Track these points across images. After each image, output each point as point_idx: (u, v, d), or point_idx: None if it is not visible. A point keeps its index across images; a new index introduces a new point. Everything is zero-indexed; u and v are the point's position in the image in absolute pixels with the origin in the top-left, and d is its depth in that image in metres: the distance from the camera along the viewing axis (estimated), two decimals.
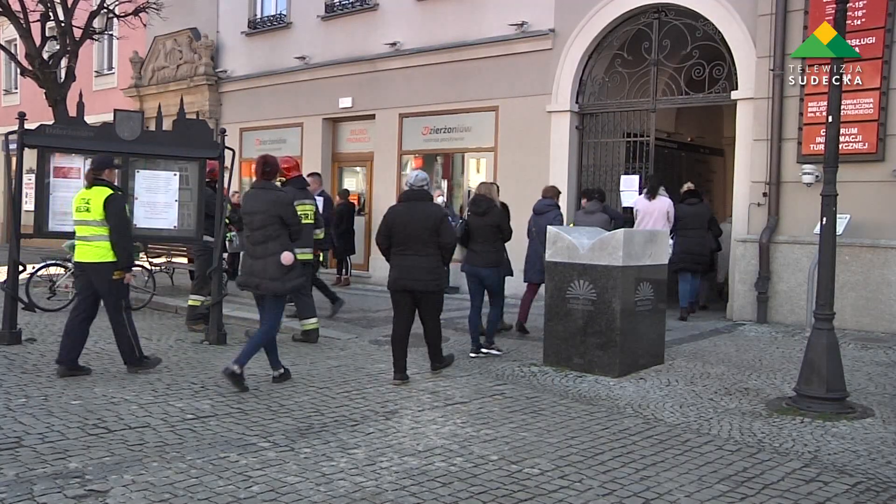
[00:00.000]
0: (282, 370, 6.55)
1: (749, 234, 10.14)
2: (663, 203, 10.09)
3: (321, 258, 8.93)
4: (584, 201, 10.29)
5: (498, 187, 8.43)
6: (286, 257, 6.23)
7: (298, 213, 8.05)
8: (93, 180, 6.64)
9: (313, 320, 8.58)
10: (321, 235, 8.89)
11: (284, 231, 6.30)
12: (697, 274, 10.65)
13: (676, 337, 8.90)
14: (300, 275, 6.63)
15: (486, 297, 8.10)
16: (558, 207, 9.39)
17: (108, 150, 8.18)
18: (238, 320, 9.47)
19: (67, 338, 6.67)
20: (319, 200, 9.26)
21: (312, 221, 8.62)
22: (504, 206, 8.53)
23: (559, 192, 9.78)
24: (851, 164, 8.96)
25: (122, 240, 6.52)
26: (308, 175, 10.30)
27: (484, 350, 7.85)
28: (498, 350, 7.95)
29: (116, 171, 7.03)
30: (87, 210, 6.56)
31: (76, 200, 6.71)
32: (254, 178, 6.73)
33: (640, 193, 11.33)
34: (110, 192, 6.58)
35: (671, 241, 9.42)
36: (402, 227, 6.57)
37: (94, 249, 6.54)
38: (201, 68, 17.90)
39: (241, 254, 7.45)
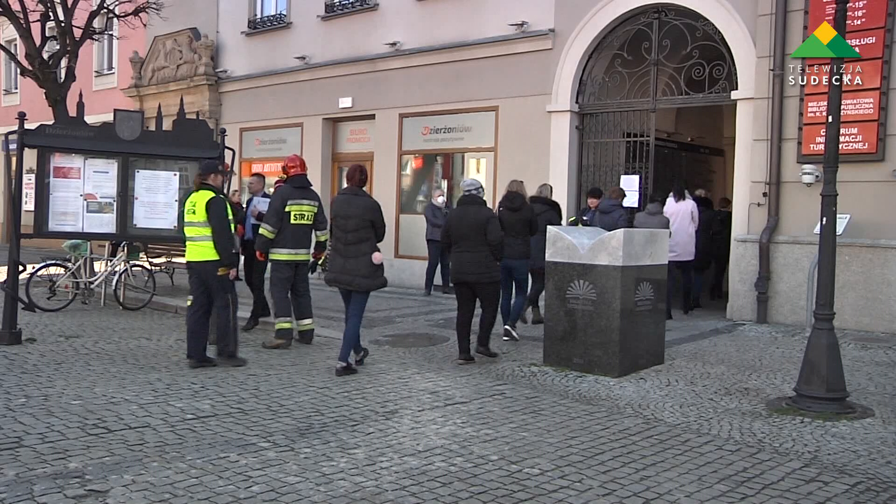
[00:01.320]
0: (361, 354, 7.30)
1: (749, 234, 10.14)
2: (688, 205, 10.73)
3: (320, 261, 8.73)
4: (590, 200, 10.36)
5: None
6: (377, 257, 6.94)
7: (295, 213, 8.15)
8: (199, 184, 7.14)
9: (286, 321, 8.32)
10: (324, 238, 8.53)
11: (374, 234, 6.98)
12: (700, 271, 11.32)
13: (676, 337, 8.90)
14: (384, 272, 7.21)
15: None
16: (623, 207, 10.23)
17: (108, 150, 8.21)
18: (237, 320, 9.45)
19: (192, 335, 7.15)
20: (264, 202, 8.91)
21: (311, 222, 8.35)
22: (555, 204, 9.68)
23: (624, 194, 10.47)
24: (851, 164, 8.96)
25: (222, 240, 7.03)
26: (252, 174, 10.26)
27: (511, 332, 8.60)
28: (516, 336, 8.62)
29: (221, 175, 7.44)
30: (193, 212, 7.09)
31: (186, 203, 7.26)
32: (345, 185, 7.31)
33: (639, 194, 11.42)
34: (212, 195, 7.07)
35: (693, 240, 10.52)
36: (457, 227, 7.44)
37: (201, 249, 7.10)
38: (201, 68, 17.90)
39: (327, 252, 7.73)
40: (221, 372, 6.84)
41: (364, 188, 7.29)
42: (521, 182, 8.90)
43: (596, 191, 10.61)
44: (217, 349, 7.27)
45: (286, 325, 8.32)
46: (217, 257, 7.05)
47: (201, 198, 7.07)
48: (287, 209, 8.10)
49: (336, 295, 12.56)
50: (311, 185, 8.66)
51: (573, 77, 12.03)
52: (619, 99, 11.89)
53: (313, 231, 8.48)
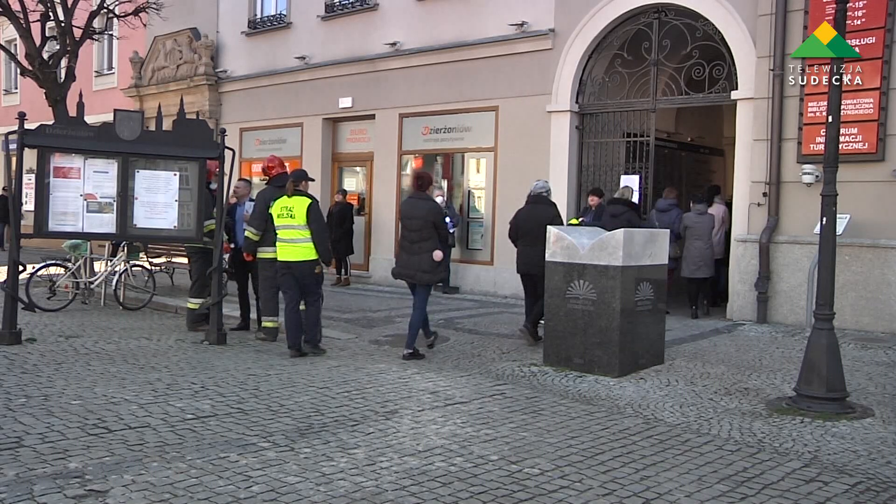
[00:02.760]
0: (432, 338, 8.15)
1: (749, 234, 10.14)
2: (719, 209, 11.15)
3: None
4: (592, 199, 10.36)
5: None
6: (437, 255, 7.64)
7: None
8: (293, 191, 7.74)
9: (273, 319, 8.59)
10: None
11: (435, 234, 7.67)
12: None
13: (676, 337, 8.90)
14: (445, 268, 7.98)
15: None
16: (679, 207, 10.96)
17: (108, 150, 8.20)
18: (237, 320, 9.44)
19: (291, 327, 7.78)
20: (251, 206, 9.10)
21: None
22: (634, 205, 9.93)
23: (678, 194, 11.14)
24: (851, 164, 8.96)
25: (322, 240, 7.73)
26: (239, 179, 10.30)
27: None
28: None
29: (309, 182, 8.18)
30: (291, 216, 7.66)
31: (276, 208, 7.80)
32: (412, 189, 8.12)
33: (639, 194, 11.42)
34: (311, 200, 7.73)
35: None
36: (524, 223, 8.33)
37: (299, 249, 7.68)
38: (201, 68, 17.90)
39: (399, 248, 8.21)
40: (221, 372, 6.84)
41: (427, 192, 7.97)
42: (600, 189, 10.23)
43: (598, 190, 10.61)
44: (305, 339, 7.83)
45: (271, 325, 8.58)
46: (315, 257, 7.67)
47: (300, 203, 7.66)
48: (271, 210, 8.18)
49: (335, 295, 12.60)
50: None
51: (573, 77, 12.03)
52: (619, 99, 11.89)
53: None
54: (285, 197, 7.78)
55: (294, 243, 7.69)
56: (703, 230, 10.47)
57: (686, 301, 10.67)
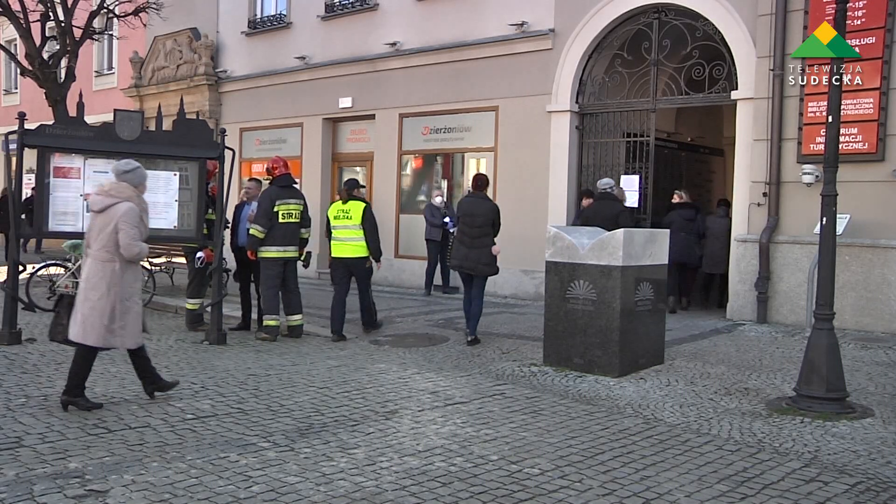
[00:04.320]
0: (473, 337, 8.43)
1: (749, 234, 10.14)
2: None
3: (303, 256, 8.98)
4: (584, 201, 10.37)
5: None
6: (496, 249, 8.40)
7: (283, 212, 8.62)
8: (348, 197, 8.96)
9: (274, 317, 8.72)
10: (307, 235, 9.04)
11: (493, 230, 8.40)
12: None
13: (676, 337, 8.90)
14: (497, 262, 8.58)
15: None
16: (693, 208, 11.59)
17: (108, 150, 8.20)
18: (237, 320, 9.44)
19: (336, 316, 8.81)
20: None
21: (298, 221, 8.79)
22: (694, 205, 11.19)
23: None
24: (851, 164, 8.95)
25: (373, 239, 8.81)
26: (249, 179, 10.40)
27: None
28: None
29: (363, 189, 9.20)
30: (348, 218, 8.82)
31: (333, 211, 9.02)
32: (470, 189, 8.87)
33: (639, 194, 11.42)
34: (365, 204, 8.95)
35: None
36: (592, 218, 8.86)
37: (353, 247, 8.83)
38: (201, 68, 17.90)
39: (452, 242, 9.07)
40: (221, 372, 6.85)
41: (487, 192, 8.77)
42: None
43: (590, 191, 10.60)
44: (363, 322, 9.14)
45: (273, 323, 8.68)
46: (366, 254, 8.82)
47: (356, 207, 8.85)
48: (276, 209, 8.62)
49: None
50: (296, 184, 9.24)
51: (573, 77, 12.03)
52: (619, 99, 11.89)
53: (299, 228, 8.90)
54: (340, 202, 9.00)
55: (349, 241, 8.82)
56: (720, 232, 11.00)
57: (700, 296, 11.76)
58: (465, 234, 8.50)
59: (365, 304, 9.12)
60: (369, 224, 8.81)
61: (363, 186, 9.45)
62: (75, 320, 5.49)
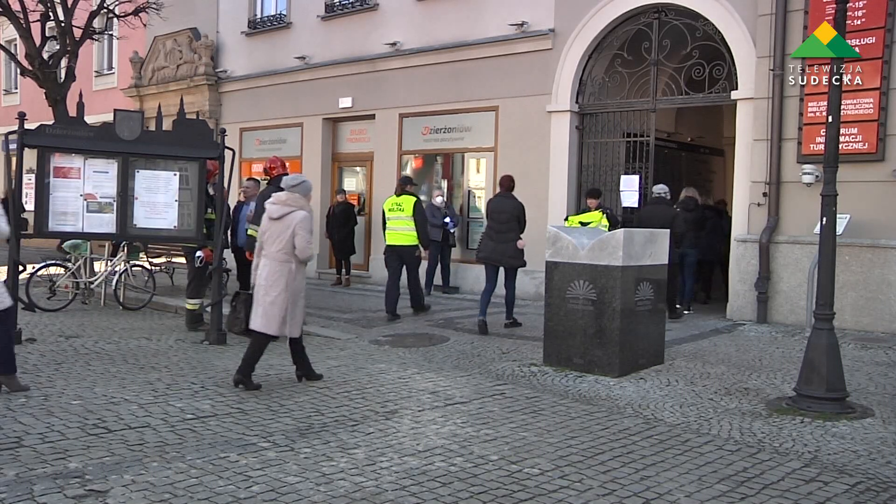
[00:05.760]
0: (511, 320, 9.40)
1: (749, 234, 10.14)
2: None
3: None
4: (589, 201, 10.37)
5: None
6: (521, 243, 9.21)
7: None
8: (401, 190, 10.32)
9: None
10: None
11: (518, 226, 9.25)
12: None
13: (676, 337, 8.90)
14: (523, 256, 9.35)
15: None
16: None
17: (108, 150, 8.20)
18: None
19: (391, 298, 10.05)
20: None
21: None
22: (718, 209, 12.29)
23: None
24: (851, 164, 8.96)
25: (423, 230, 10.11)
26: (247, 179, 10.43)
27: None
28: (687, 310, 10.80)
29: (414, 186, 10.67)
30: (401, 210, 10.11)
31: (388, 204, 10.31)
32: (501, 189, 9.67)
33: (639, 194, 11.42)
34: (416, 199, 10.20)
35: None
36: (649, 221, 9.71)
37: (405, 236, 10.09)
38: (201, 68, 17.90)
39: (482, 236, 9.62)
40: (221, 372, 6.85)
41: (513, 192, 9.52)
42: (694, 188, 11.73)
43: (595, 191, 10.60)
44: (412, 304, 10.31)
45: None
46: (416, 242, 10.09)
47: (408, 201, 10.10)
48: (383, 205, 9.16)
49: (336, 295, 12.64)
50: None
51: (573, 77, 12.03)
52: (619, 99, 11.89)
53: None
54: (395, 196, 10.31)
55: (401, 231, 10.10)
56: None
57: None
58: (492, 230, 9.31)
59: (414, 285, 10.21)
60: (419, 216, 10.06)
61: (416, 184, 10.78)
62: (257, 313, 6.31)
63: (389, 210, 10.23)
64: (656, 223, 9.31)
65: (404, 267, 10.24)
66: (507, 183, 9.61)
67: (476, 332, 9.05)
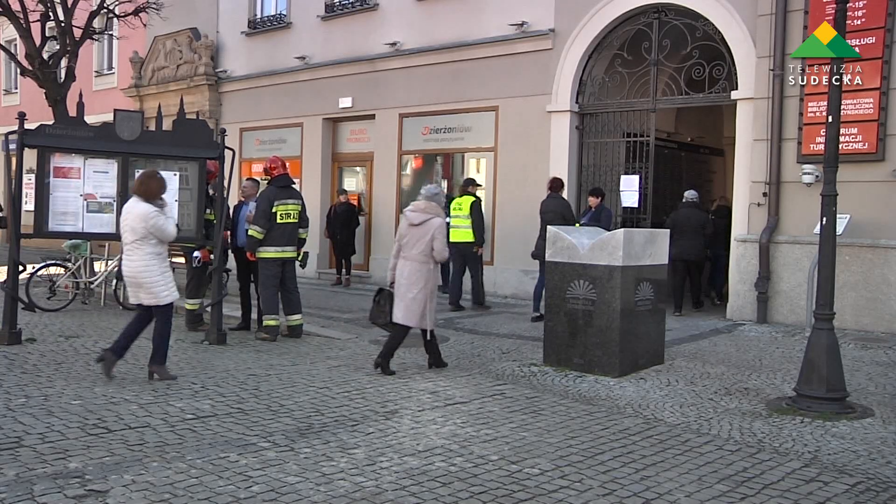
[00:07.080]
0: (539, 314, 9.57)
1: (749, 234, 10.14)
2: None
3: (300, 256, 8.95)
4: (590, 199, 10.38)
5: None
6: None
7: (282, 212, 8.60)
8: (463, 192, 11.08)
9: (273, 317, 8.70)
10: (304, 235, 9.01)
11: (564, 223, 9.37)
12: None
13: (676, 337, 8.90)
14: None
15: None
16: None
17: (108, 150, 8.20)
18: (237, 320, 9.44)
19: (454, 290, 10.97)
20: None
21: (296, 221, 8.76)
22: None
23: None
24: (851, 164, 8.95)
25: (479, 228, 10.82)
26: (247, 179, 10.40)
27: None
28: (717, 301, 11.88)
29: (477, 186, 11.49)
30: (460, 209, 10.87)
31: (453, 203, 10.94)
32: (549, 191, 10.38)
33: (639, 194, 11.42)
34: (474, 199, 10.92)
35: None
36: (683, 224, 10.76)
37: (462, 233, 10.79)
38: (201, 68, 17.90)
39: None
40: (221, 372, 6.85)
41: (561, 192, 10.34)
42: (724, 197, 12.55)
43: (597, 190, 10.60)
44: (472, 299, 11.08)
45: (273, 322, 8.67)
46: (473, 239, 10.76)
47: (466, 200, 10.87)
48: (274, 209, 8.59)
49: (336, 295, 12.65)
50: (294, 184, 9.19)
51: (573, 77, 12.03)
52: (619, 99, 11.88)
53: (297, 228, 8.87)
54: (458, 197, 11.11)
55: (460, 228, 10.78)
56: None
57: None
58: (542, 228, 9.87)
59: (476, 283, 10.98)
60: (476, 215, 10.77)
61: (480, 185, 11.66)
62: (399, 308, 6.98)
63: (452, 209, 10.84)
64: (691, 226, 10.71)
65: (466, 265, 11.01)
66: (553, 184, 10.34)
67: (475, 333, 9.04)
